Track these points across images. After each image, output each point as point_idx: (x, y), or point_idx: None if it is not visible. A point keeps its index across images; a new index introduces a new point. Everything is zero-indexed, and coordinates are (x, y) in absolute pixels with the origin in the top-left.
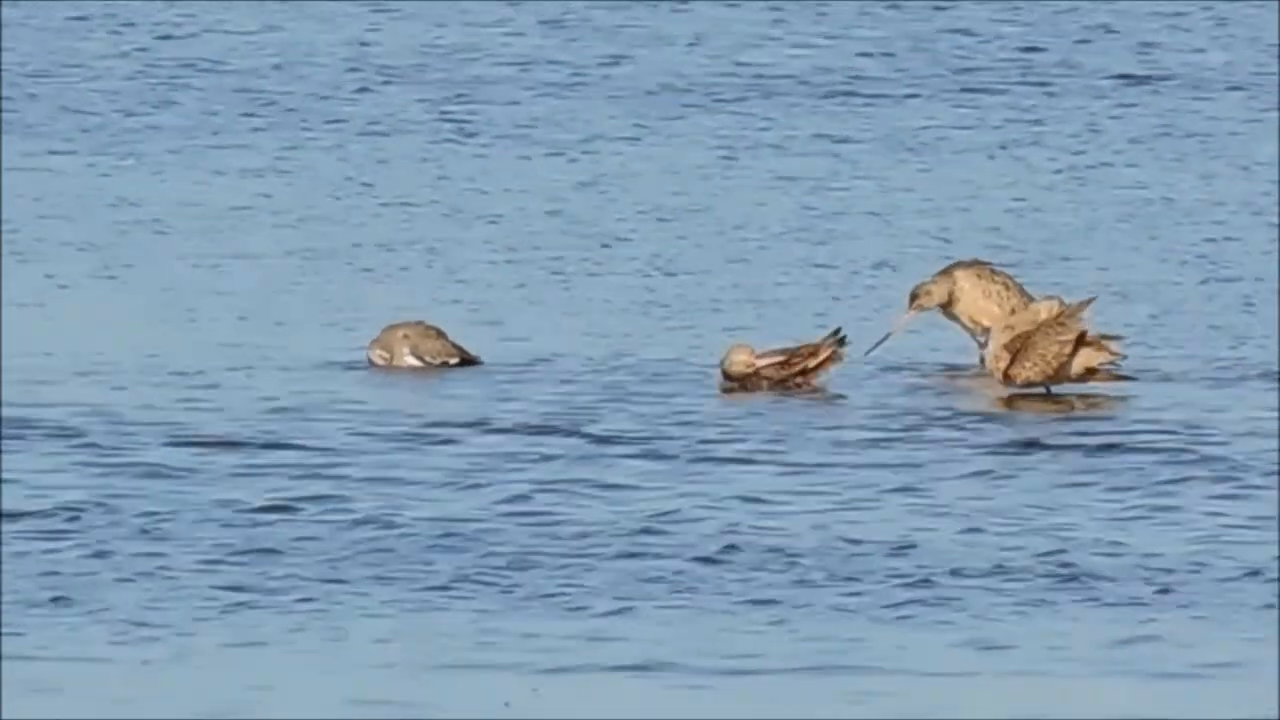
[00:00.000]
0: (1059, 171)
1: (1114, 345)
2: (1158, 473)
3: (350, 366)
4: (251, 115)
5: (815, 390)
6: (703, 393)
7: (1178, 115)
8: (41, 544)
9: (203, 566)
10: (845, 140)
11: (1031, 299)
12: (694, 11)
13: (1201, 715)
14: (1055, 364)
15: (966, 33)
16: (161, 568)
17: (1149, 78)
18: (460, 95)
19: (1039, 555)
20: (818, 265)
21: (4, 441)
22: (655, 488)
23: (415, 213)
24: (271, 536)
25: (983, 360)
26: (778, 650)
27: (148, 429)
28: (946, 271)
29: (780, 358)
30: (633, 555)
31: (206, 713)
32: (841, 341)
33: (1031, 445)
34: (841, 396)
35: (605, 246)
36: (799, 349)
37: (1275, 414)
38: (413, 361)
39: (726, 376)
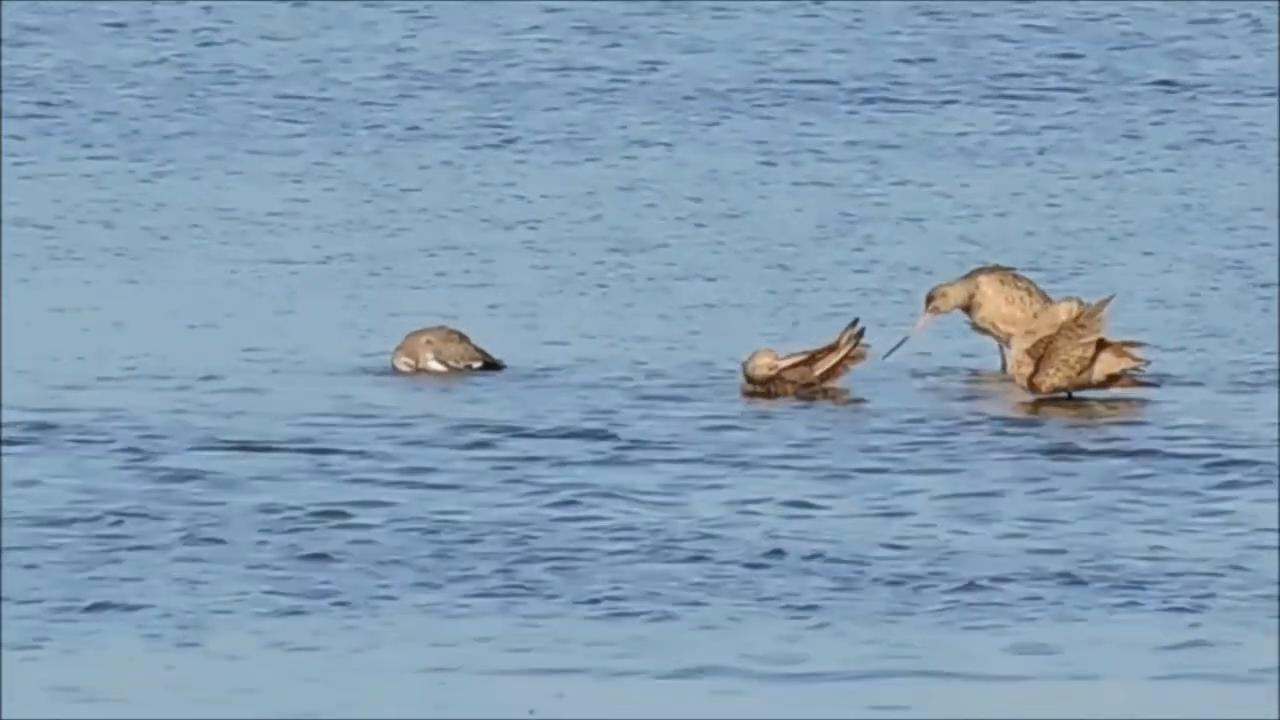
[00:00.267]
0: (1097, 177)
1: (1136, 351)
2: (1193, 477)
3: (375, 372)
4: (291, 121)
5: (838, 394)
6: (729, 397)
7: (1216, 121)
8: (89, 549)
9: (253, 571)
10: (883, 145)
11: (1051, 303)
12: (733, 16)
13: (1255, 718)
14: (1078, 367)
15: (1004, 38)
16: (210, 573)
17: (1187, 84)
18: (498, 101)
19: (1081, 560)
20: (857, 270)
21: (40, 446)
22: (692, 493)
23: (453, 218)
24: (319, 541)
25: (1004, 365)
26: (829, 654)
27: (181, 434)
28: (969, 276)
29: (801, 358)
30: (676, 560)
31: (268, 713)
32: (860, 335)
33: (1064, 450)
34: (864, 401)
35: (642, 252)
36: (819, 349)
37: None
38: (436, 366)
39: (750, 380)
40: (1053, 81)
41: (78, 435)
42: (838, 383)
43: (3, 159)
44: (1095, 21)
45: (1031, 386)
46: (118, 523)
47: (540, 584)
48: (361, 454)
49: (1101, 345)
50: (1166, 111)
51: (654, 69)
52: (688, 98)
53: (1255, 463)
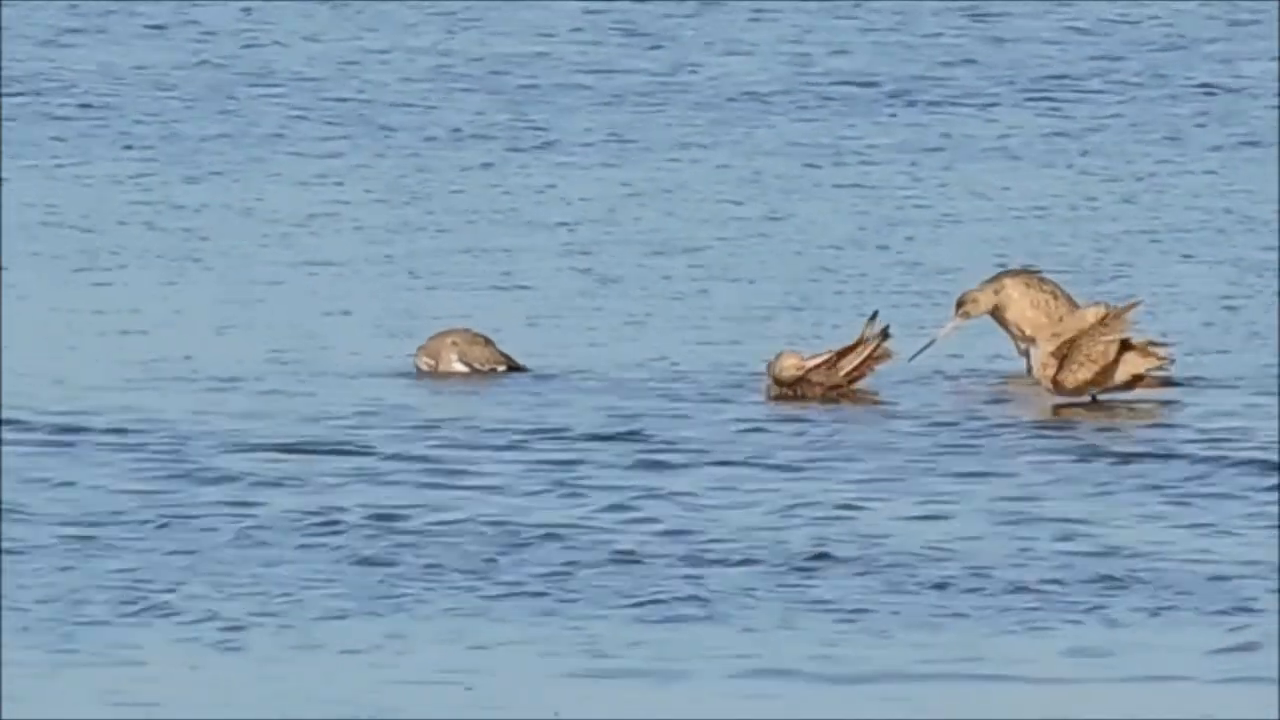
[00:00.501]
0: (1139, 180)
1: (1161, 351)
2: (1233, 480)
3: (411, 375)
4: (331, 124)
5: (866, 396)
6: (757, 400)
7: (1258, 124)
8: (133, 552)
9: (302, 572)
10: (925, 148)
11: (1077, 306)
12: (773, 19)
13: None
14: (1101, 364)
15: (1046, 40)
16: (259, 575)
17: (1229, 86)
18: (538, 103)
19: (1126, 563)
20: (901, 272)
21: (79, 448)
22: (729, 496)
23: (492, 220)
24: (364, 544)
25: (1029, 369)
26: (880, 657)
27: (215, 436)
28: (995, 279)
29: (826, 357)
30: (720, 562)
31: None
32: (885, 333)
33: (1099, 453)
34: (891, 403)
35: (682, 254)
36: (843, 348)
37: None
38: (460, 368)
39: (776, 382)
40: (1095, 84)
41: (112, 439)
42: (864, 385)
43: (2, 159)
44: (1136, 24)
45: (1056, 385)
46: (163, 525)
47: (587, 587)
48: (399, 456)
49: (1126, 345)
50: (1208, 114)
51: (694, 71)
52: (729, 100)
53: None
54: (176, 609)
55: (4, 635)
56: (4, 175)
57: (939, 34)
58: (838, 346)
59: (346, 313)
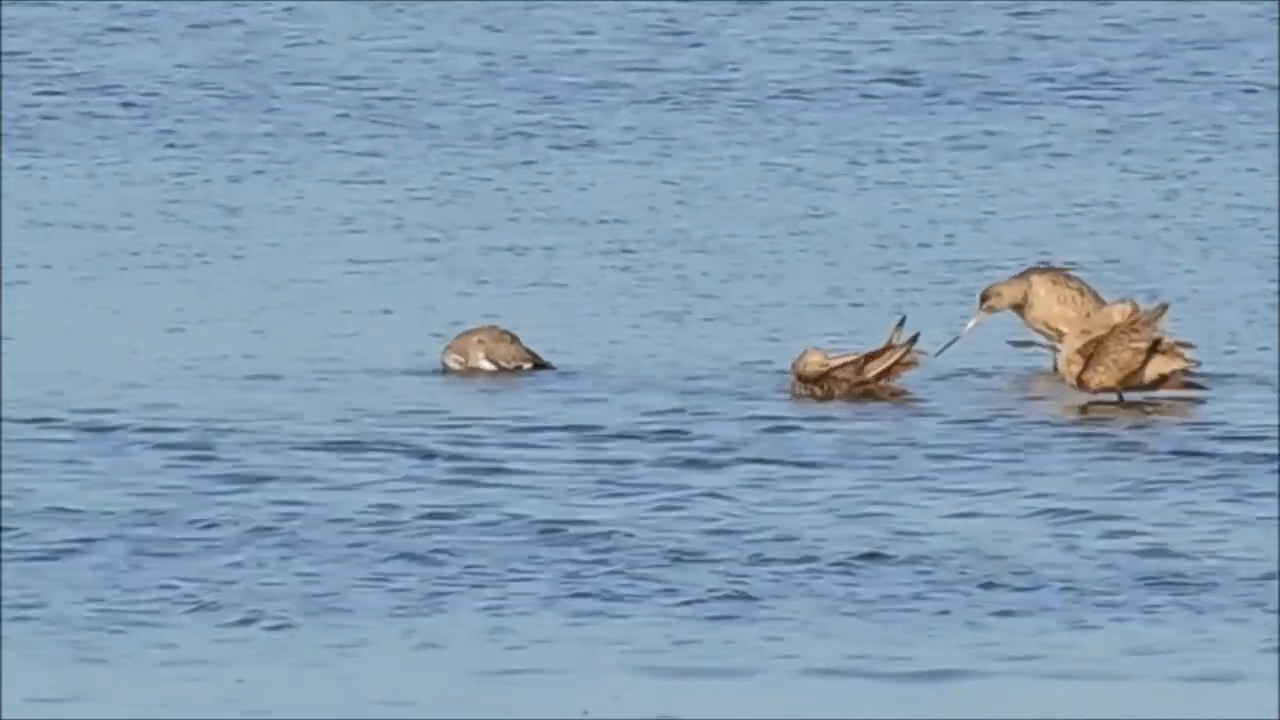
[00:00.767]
0: (1181, 177)
1: (1187, 353)
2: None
3: (425, 371)
4: (374, 121)
5: (895, 393)
6: (784, 398)
7: None
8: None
9: (352, 571)
10: (966, 145)
11: (1104, 303)
12: (814, 17)
13: None
14: (1128, 368)
15: (1090, 38)
16: (311, 574)
17: (1272, 85)
18: (582, 102)
19: (1179, 560)
20: (943, 268)
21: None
22: (765, 494)
23: (535, 218)
24: (410, 541)
25: (1056, 366)
26: (934, 654)
27: (245, 434)
28: (1022, 275)
29: (853, 359)
30: (766, 561)
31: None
32: (914, 340)
33: (1134, 450)
34: (918, 401)
35: (724, 253)
36: (871, 351)
37: None
38: (487, 365)
39: (801, 379)
40: (1137, 82)
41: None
42: (892, 381)
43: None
44: (1178, 22)
45: (1080, 384)
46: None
47: (638, 584)
48: (435, 454)
49: (1154, 346)
50: (1250, 112)
51: (736, 69)
52: (770, 97)
53: None
54: (222, 606)
55: (48, 636)
56: (42, 173)
57: (980, 31)
58: (865, 349)
59: (388, 312)
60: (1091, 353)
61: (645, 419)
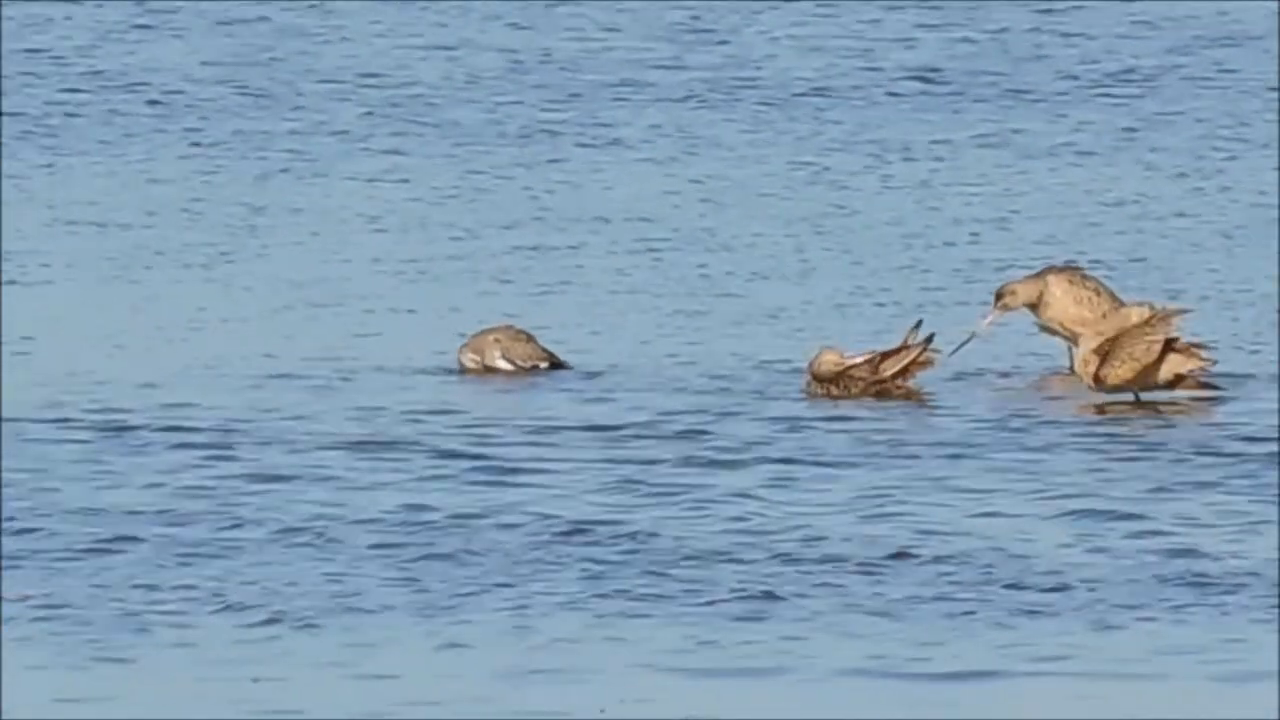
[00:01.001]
0: (1207, 176)
1: (1203, 353)
2: None
3: (449, 371)
4: (399, 120)
5: (910, 392)
6: (801, 397)
7: None
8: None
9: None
10: (991, 144)
11: (1122, 304)
12: (840, 14)
13: None
14: (1143, 364)
15: (1116, 36)
16: (334, 574)
17: None
18: (607, 100)
19: (1206, 561)
20: (969, 267)
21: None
22: (789, 493)
23: (561, 216)
24: (439, 541)
25: (1072, 366)
26: (966, 654)
27: (266, 433)
28: (1038, 274)
29: (869, 358)
30: (790, 561)
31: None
32: (929, 340)
33: (1153, 449)
34: (933, 400)
35: (747, 249)
36: (886, 351)
37: None
38: (504, 365)
39: (815, 378)
40: (1162, 80)
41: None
42: (907, 382)
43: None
44: (1204, 20)
45: (1097, 381)
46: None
47: (661, 584)
48: (458, 454)
49: (1169, 346)
50: (1276, 111)
51: (761, 67)
52: (796, 95)
53: None
54: (245, 606)
55: (72, 637)
56: (66, 171)
57: (1006, 29)
58: (881, 348)
59: (411, 311)
60: (1107, 350)
61: (668, 418)
